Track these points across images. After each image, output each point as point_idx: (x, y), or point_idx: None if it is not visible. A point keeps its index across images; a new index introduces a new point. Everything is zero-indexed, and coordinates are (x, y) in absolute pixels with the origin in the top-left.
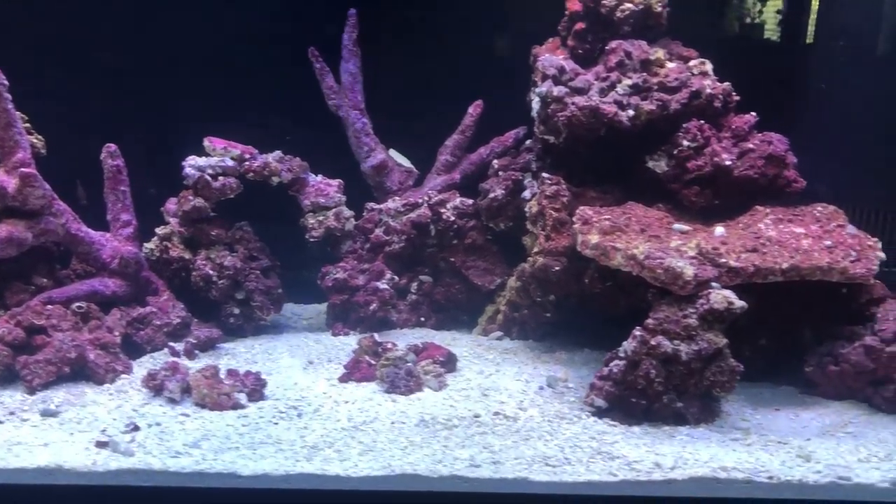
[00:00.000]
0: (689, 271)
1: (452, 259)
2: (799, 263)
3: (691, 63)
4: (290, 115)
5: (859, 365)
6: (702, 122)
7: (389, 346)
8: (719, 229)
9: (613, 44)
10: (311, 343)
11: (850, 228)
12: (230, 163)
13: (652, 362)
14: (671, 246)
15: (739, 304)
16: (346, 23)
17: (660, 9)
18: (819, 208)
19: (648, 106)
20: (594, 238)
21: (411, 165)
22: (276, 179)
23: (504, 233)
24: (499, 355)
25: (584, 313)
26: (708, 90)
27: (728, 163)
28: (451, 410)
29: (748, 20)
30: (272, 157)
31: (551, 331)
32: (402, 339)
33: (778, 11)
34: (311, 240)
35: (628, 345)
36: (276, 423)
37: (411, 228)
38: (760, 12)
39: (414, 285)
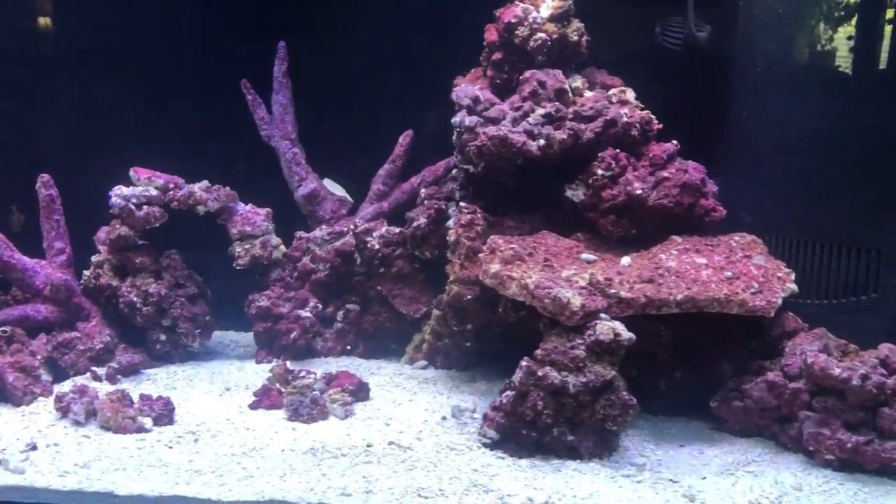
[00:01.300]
0: (577, 301)
1: (379, 287)
2: (695, 295)
3: (610, 91)
4: (237, 144)
5: (762, 401)
6: (617, 151)
7: (302, 373)
8: (626, 259)
9: (527, 73)
10: (234, 370)
11: (758, 259)
12: (154, 192)
13: (539, 394)
14: (563, 276)
15: (627, 335)
16: (276, 55)
17: (576, 38)
18: (736, 238)
19: (560, 135)
20: (494, 267)
21: (345, 194)
22: (201, 209)
23: (431, 261)
24: (418, 385)
25: (509, 342)
26: (624, 119)
27: (640, 192)
28: (346, 439)
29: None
30: (198, 187)
31: (476, 360)
32: (326, 368)
33: (849, 37)
34: (238, 268)
35: (516, 375)
36: (170, 448)
37: (335, 257)
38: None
39: (340, 314)
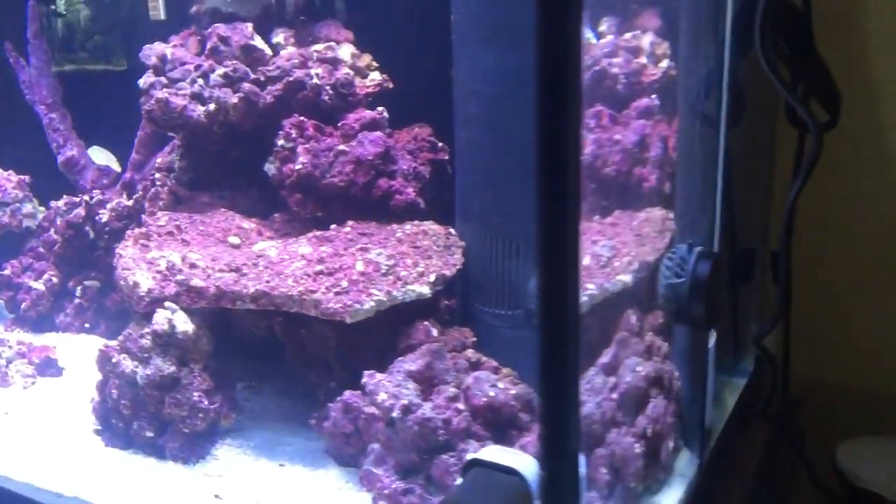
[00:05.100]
0: (145, 286)
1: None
2: (269, 290)
3: (315, 47)
4: None
5: (339, 425)
6: (302, 119)
7: (8, 342)
8: (260, 245)
9: (210, 28)
10: None
11: (375, 253)
12: None
13: (115, 382)
14: (148, 257)
15: (184, 328)
16: (27, 15)
17: None
18: (408, 227)
19: (233, 99)
20: (124, 248)
21: (110, 163)
22: None
23: None
24: None
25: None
26: (314, 80)
27: (300, 167)
28: None
29: None
30: None
31: None
32: (61, 343)
33: None
34: None
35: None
36: None
37: (66, 228)
38: None
39: (79, 289)
